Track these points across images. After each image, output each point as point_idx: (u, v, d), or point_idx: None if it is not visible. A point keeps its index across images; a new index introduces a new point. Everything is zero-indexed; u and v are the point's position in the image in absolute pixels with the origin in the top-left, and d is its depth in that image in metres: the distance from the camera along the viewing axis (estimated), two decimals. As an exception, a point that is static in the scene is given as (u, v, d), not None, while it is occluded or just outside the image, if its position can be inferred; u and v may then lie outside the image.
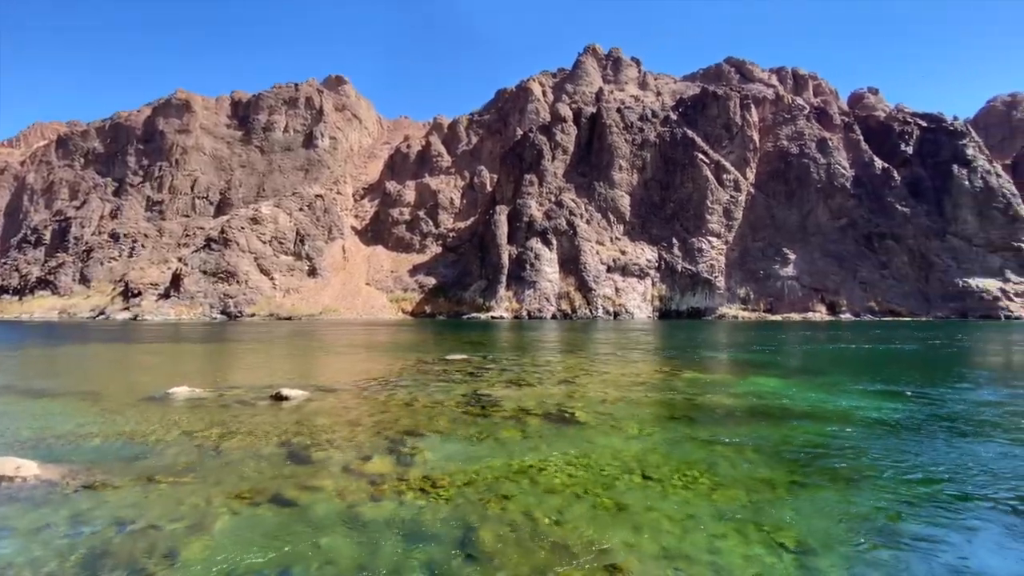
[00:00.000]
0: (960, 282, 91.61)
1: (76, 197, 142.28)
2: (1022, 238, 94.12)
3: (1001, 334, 39.23)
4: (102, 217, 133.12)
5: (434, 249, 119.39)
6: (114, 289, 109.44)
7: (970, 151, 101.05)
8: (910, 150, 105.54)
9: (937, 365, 18.25)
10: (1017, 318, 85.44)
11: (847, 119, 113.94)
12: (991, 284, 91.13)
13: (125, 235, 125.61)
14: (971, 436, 7.41)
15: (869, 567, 3.77)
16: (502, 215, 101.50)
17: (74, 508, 4.72)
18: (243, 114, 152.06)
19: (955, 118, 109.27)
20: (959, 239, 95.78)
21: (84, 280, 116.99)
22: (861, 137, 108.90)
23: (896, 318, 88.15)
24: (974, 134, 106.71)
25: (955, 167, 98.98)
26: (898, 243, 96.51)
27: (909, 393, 11.03)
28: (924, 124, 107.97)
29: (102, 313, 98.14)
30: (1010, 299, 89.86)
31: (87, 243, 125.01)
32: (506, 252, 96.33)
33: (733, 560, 3.85)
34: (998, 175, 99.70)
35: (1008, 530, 4.37)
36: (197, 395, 10.51)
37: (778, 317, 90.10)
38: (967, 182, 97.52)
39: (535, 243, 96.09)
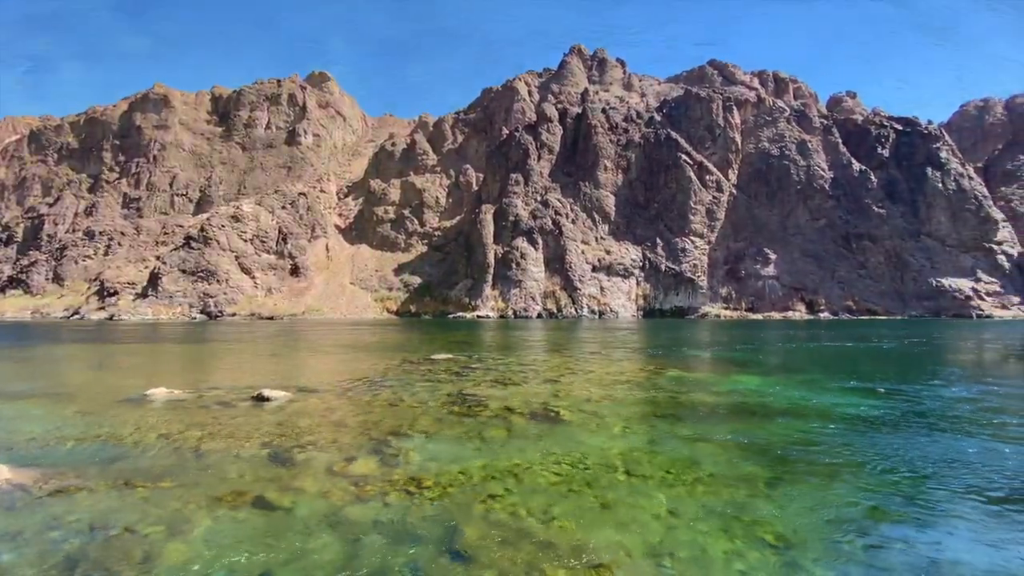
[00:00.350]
0: (934, 281, 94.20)
1: (49, 194, 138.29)
2: (993, 239, 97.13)
3: (973, 332, 40.43)
4: (76, 214, 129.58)
5: (419, 248, 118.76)
6: (89, 288, 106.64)
7: (943, 154, 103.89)
8: (886, 153, 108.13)
9: (914, 363, 18.72)
10: (988, 317, 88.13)
11: (826, 122, 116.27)
12: (963, 284, 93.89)
13: (100, 233, 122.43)
14: (948, 432, 7.62)
15: (850, 560, 3.86)
16: (488, 214, 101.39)
17: (47, 513, 4.59)
18: (223, 110, 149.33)
19: (929, 122, 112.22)
20: (933, 240, 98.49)
21: (58, 279, 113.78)
22: (839, 140, 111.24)
23: (873, 316, 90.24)
24: (947, 138, 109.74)
25: (929, 170, 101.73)
26: (874, 243, 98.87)
27: (887, 390, 11.29)
28: (899, 128, 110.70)
29: (76, 313, 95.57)
30: (981, 298, 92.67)
31: (61, 241, 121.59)
32: (492, 251, 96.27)
33: (717, 556, 3.90)
34: (970, 178, 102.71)
35: (983, 522, 4.51)
36: (176, 397, 10.30)
37: (759, 316, 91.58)
38: (940, 184, 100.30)
39: (521, 242, 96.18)
